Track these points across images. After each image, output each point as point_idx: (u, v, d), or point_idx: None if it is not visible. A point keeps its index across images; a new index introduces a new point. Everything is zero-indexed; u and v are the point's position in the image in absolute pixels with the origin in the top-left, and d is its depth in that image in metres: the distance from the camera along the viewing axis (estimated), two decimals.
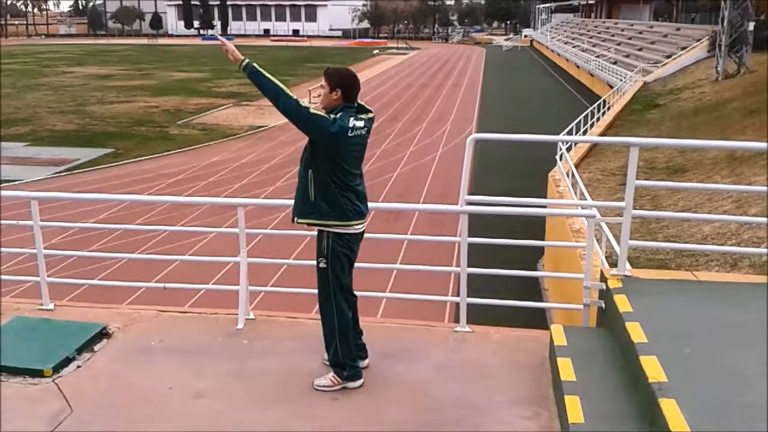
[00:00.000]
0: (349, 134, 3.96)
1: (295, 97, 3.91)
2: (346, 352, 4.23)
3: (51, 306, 5.44)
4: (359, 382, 4.26)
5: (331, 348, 4.26)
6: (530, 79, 56.21)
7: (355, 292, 4.40)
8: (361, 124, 4.04)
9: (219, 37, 4.24)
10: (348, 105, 4.04)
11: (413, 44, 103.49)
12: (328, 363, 4.44)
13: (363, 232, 4.25)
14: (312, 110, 3.92)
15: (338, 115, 3.96)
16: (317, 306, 4.35)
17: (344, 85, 4.04)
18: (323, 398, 4.12)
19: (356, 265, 4.37)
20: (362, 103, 4.19)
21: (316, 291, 5.63)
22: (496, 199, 5.09)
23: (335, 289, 4.19)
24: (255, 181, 22.10)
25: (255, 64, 3.97)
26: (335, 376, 4.24)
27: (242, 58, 4.00)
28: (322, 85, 4.06)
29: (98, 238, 15.72)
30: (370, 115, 4.18)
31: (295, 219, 4.19)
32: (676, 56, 41.22)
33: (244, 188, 21.10)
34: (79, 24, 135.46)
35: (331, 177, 4.00)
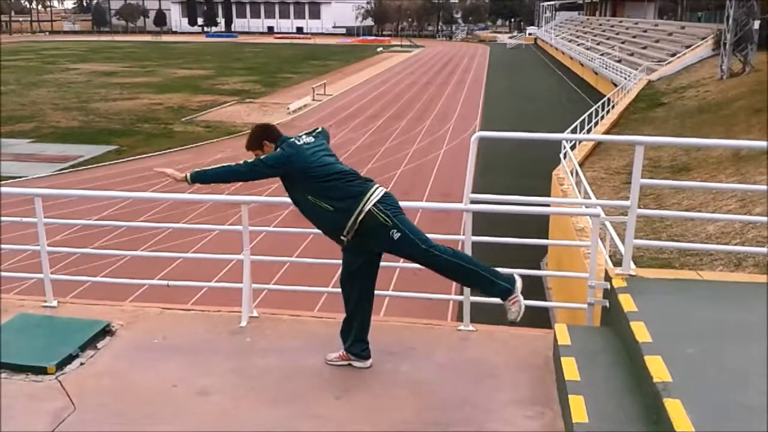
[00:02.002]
0: (298, 142, 4.13)
1: (241, 162, 4.12)
2: (485, 269, 4.16)
3: (54, 303, 5.44)
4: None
5: (475, 281, 4.20)
6: (534, 77, 56.15)
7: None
8: (304, 137, 4.21)
9: (155, 169, 4.44)
10: (281, 141, 4.19)
11: (417, 42, 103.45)
12: (331, 363, 4.44)
13: (389, 193, 4.19)
14: (262, 159, 4.11)
15: (282, 145, 4.13)
16: (341, 296, 4.37)
17: (264, 136, 4.23)
18: (327, 397, 4.11)
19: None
20: (303, 133, 4.33)
21: (319, 288, 5.66)
22: (500, 198, 5.06)
23: (424, 240, 4.11)
24: None
25: (194, 170, 4.18)
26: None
27: (183, 175, 4.19)
28: (255, 154, 4.20)
29: (101, 235, 15.75)
30: (316, 131, 4.34)
31: (341, 238, 4.10)
32: (680, 55, 41.13)
33: (246, 185, 21.08)
34: (83, 21, 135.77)
35: (322, 182, 4.05)
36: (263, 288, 6.00)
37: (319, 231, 4.26)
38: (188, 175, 4.16)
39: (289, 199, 4.61)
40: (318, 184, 4.04)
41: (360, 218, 4.01)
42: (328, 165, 4.09)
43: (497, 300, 5.14)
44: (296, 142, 4.14)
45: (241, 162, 4.12)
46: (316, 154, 4.12)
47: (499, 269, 4.26)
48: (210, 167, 4.20)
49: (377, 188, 4.11)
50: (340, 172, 4.09)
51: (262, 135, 4.23)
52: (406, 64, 67.29)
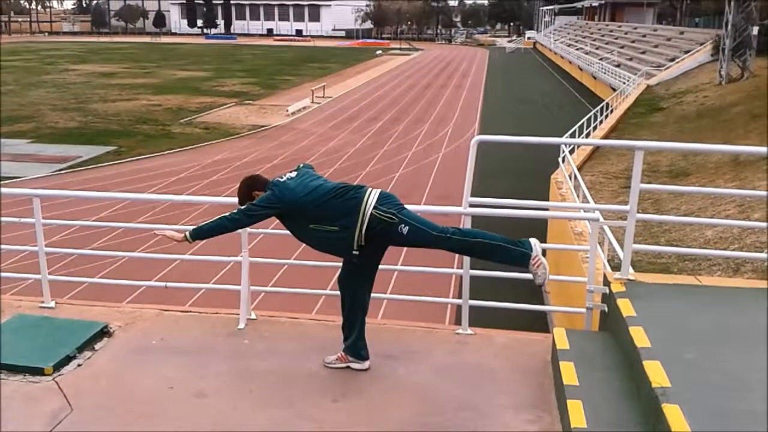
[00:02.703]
0: (281, 180, 4.17)
1: (235, 212, 4.18)
2: (496, 237, 4.15)
3: (52, 304, 5.43)
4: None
5: (499, 252, 4.12)
6: (533, 81, 56.23)
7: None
8: (288, 173, 4.26)
9: (156, 232, 4.45)
10: (268, 186, 4.23)
11: (416, 45, 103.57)
12: (329, 365, 4.43)
13: (384, 191, 4.20)
14: (253, 203, 4.16)
15: (269, 186, 4.18)
16: (340, 296, 4.38)
17: (252, 187, 4.27)
18: (324, 400, 4.10)
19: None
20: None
21: (317, 291, 5.66)
22: (499, 201, 5.07)
23: (432, 227, 4.11)
24: None
25: (192, 227, 4.24)
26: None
27: (182, 235, 4.24)
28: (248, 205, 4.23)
29: (100, 236, 15.73)
30: (299, 166, 4.39)
31: (353, 252, 4.08)
32: (679, 60, 41.19)
33: None
34: (82, 22, 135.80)
35: (320, 205, 4.05)
36: (261, 290, 5.99)
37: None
38: (188, 233, 4.21)
39: None
40: (314, 210, 4.05)
41: (365, 227, 4.01)
42: (316, 188, 4.10)
43: (496, 304, 5.16)
44: (280, 180, 4.20)
45: (235, 210, 4.19)
46: (301, 183, 4.14)
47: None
48: (206, 222, 4.24)
49: (371, 192, 4.11)
50: (331, 190, 4.09)
51: (250, 186, 4.28)
52: (405, 67, 67.34)
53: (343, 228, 4.03)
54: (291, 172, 4.30)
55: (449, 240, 4.09)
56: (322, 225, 4.06)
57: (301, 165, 4.43)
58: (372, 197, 4.06)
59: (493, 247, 4.11)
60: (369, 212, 4.00)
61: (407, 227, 4.04)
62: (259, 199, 4.14)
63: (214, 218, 4.22)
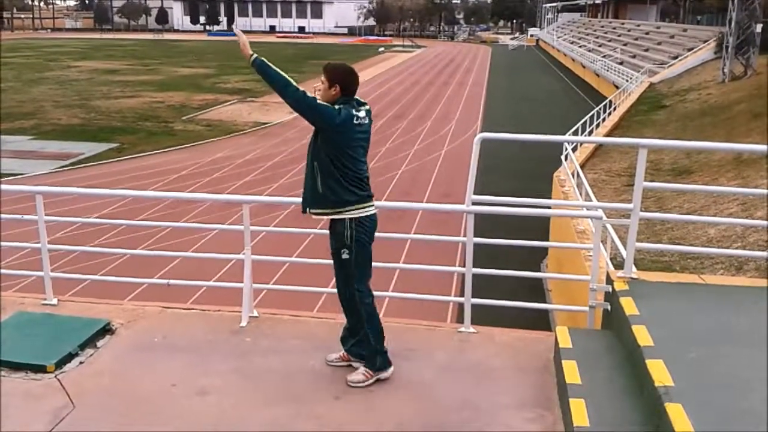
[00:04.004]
0: (354, 122, 4.04)
1: (302, 90, 3.99)
2: (377, 337, 4.25)
3: (54, 301, 5.43)
4: (390, 371, 4.30)
5: (362, 338, 4.25)
6: (536, 78, 56.14)
7: None
8: (362, 114, 4.12)
9: (235, 30, 4.31)
10: (347, 99, 4.10)
11: (419, 42, 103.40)
12: (331, 363, 4.43)
13: (376, 216, 4.22)
14: (319, 101, 4.02)
15: (342, 107, 4.03)
16: (338, 300, 4.35)
17: (343, 80, 4.10)
18: (326, 397, 4.10)
19: None
20: (357, 98, 4.24)
21: (319, 289, 5.64)
22: (502, 199, 5.05)
23: (359, 279, 4.17)
24: (259, 178, 22.09)
25: (263, 59, 4.02)
26: (367, 370, 4.25)
27: (251, 53, 4.03)
28: (322, 81, 4.11)
29: (102, 233, 15.73)
30: (367, 107, 4.23)
31: (307, 210, 4.17)
32: (682, 57, 41.09)
33: (248, 185, 21.08)
34: (85, 18, 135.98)
35: (337, 165, 4.02)
36: (263, 288, 5.99)
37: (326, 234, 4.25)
38: (254, 56, 3.99)
39: (289, 199, 4.60)
40: (332, 164, 4.02)
41: (331, 217, 4.11)
42: (354, 159, 4.05)
43: (499, 302, 5.15)
44: (354, 118, 4.03)
45: (302, 89, 3.98)
46: (357, 140, 4.07)
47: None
48: (277, 69, 4.00)
49: (366, 207, 4.12)
50: (356, 172, 4.06)
51: (340, 78, 4.07)
52: (407, 64, 67.27)
53: (323, 197, 4.06)
54: (367, 113, 4.13)
55: (361, 303, 4.18)
56: (319, 175, 4.06)
57: (368, 107, 4.21)
58: (361, 211, 4.10)
59: (366, 341, 4.23)
60: (349, 216, 4.06)
61: (347, 257, 4.12)
62: (325, 106, 3.99)
63: (284, 74, 4.01)
